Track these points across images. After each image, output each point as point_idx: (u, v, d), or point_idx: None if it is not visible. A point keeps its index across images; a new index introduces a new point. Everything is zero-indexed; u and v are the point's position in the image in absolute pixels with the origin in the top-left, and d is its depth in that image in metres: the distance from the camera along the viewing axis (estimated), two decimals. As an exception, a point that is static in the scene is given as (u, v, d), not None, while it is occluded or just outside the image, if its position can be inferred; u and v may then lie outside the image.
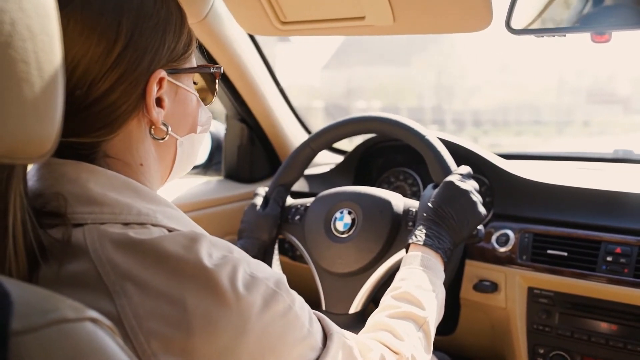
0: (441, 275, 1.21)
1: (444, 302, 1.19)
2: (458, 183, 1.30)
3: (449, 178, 1.32)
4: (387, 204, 1.43)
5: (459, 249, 1.37)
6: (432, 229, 1.26)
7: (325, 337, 0.86)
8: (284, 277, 0.81)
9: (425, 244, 1.23)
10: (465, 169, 1.35)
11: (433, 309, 1.12)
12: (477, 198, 1.30)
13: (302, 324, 0.80)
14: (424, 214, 1.29)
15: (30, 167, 0.78)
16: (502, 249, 1.57)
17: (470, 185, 1.31)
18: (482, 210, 1.29)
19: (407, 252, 1.26)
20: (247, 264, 0.76)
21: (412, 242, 1.25)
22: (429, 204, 1.29)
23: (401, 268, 1.22)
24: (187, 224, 0.81)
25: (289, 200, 1.63)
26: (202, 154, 2.13)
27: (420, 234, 1.25)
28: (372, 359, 0.93)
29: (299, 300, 0.82)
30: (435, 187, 1.35)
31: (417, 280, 1.16)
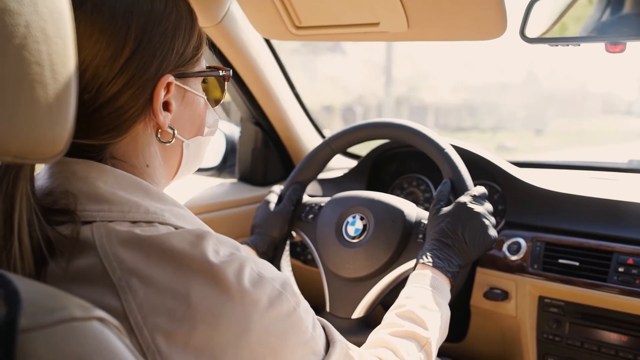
0: (447, 297, 1.21)
1: (448, 324, 1.19)
2: (470, 205, 1.29)
3: (462, 199, 1.31)
4: (399, 213, 1.42)
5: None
6: (442, 250, 1.25)
7: (328, 344, 0.86)
8: (290, 279, 0.81)
9: (435, 266, 1.22)
10: (480, 189, 1.33)
11: (436, 330, 1.12)
12: (489, 221, 1.29)
13: (306, 327, 0.80)
14: (435, 234, 1.29)
15: (40, 166, 0.79)
16: (514, 257, 1.56)
17: (484, 208, 1.30)
18: (493, 233, 1.28)
19: (414, 269, 1.26)
20: (255, 263, 0.76)
21: (422, 262, 1.24)
22: (442, 224, 1.28)
23: (407, 285, 1.22)
24: (194, 223, 0.82)
25: (304, 198, 1.63)
26: (215, 157, 2.14)
27: (430, 254, 1.24)
28: None
29: (303, 304, 0.82)
30: (446, 198, 1.35)
31: (423, 300, 1.15)
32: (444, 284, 1.21)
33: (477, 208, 1.29)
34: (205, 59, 0.93)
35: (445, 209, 1.31)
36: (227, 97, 1.01)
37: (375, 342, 1.07)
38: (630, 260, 1.40)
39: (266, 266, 0.79)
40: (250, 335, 0.72)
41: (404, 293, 1.20)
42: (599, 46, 1.18)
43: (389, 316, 1.14)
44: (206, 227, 0.82)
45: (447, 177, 1.38)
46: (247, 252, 0.78)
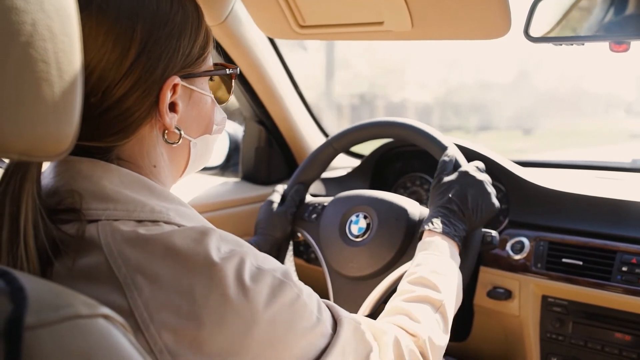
0: (457, 261, 1.24)
1: (462, 286, 1.21)
2: (473, 173, 1.32)
3: (465, 168, 1.34)
4: (403, 211, 1.43)
5: (473, 255, 1.36)
6: (447, 216, 1.28)
7: (336, 323, 0.86)
8: (291, 269, 0.81)
9: (441, 232, 1.25)
10: (480, 163, 1.37)
11: (449, 292, 1.14)
12: (491, 189, 1.32)
13: (311, 312, 0.80)
14: (439, 201, 1.31)
15: (45, 166, 0.79)
16: (517, 257, 1.56)
17: (485, 177, 1.33)
18: (496, 202, 1.32)
19: (420, 238, 1.28)
20: (255, 257, 0.76)
21: (429, 229, 1.26)
22: (445, 191, 1.31)
23: (417, 254, 1.24)
24: (199, 222, 0.82)
25: (307, 198, 1.64)
26: (219, 155, 2.14)
27: (436, 221, 1.27)
28: (386, 342, 0.94)
29: (306, 290, 0.82)
30: (449, 169, 1.37)
31: (433, 265, 1.17)
32: (453, 249, 1.23)
33: (479, 176, 1.32)
34: (211, 57, 0.93)
35: (449, 177, 1.34)
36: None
37: (390, 310, 1.09)
38: (634, 260, 1.40)
39: (266, 259, 0.79)
40: (256, 328, 0.72)
41: (414, 262, 1.22)
42: (599, 46, 1.18)
43: (402, 284, 1.16)
44: (211, 226, 0.82)
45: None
46: (249, 248, 0.78)
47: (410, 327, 1.02)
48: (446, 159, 1.38)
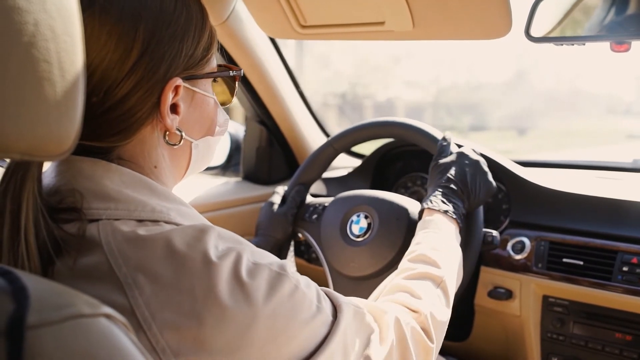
0: (458, 238, 1.25)
1: (461, 264, 1.22)
2: (469, 153, 1.35)
3: (461, 149, 1.37)
4: (404, 211, 1.43)
5: (474, 255, 1.37)
6: (447, 195, 1.29)
7: (336, 310, 0.86)
8: (288, 262, 0.82)
9: (441, 210, 1.26)
10: (475, 146, 1.41)
11: (450, 268, 1.14)
12: (488, 170, 1.35)
13: (310, 301, 0.81)
14: (438, 181, 1.32)
15: (47, 164, 0.79)
16: (518, 257, 1.56)
17: (481, 158, 1.36)
18: (493, 181, 1.34)
19: (420, 218, 1.29)
20: (251, 253, 0.77)
21: (428, 208, 1.27)
22: (444, 171, 1.33)
23: (417, 233, 1.25)
24: (200, 222, 0.82)
25: (308, 199, 1.64)
26: (220, 155, 2.14)
27: (436, 200, 1.28)
28: (387, 322, 0.94)
29: (304, 280, 0.82)
30: (447, 152, 1.39)
31: (433, 243, 1.18)
32: (453, 226, 1.25)
33: (476, 156, 1.35)
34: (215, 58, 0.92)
35: (447, 159, 1.36)
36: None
37: (391, 288, 1.10)
38: (634, 260, 1.40)
39: (263, 254, 0.80)
40: (257, 324, 0.72)
41: (414, 240, 1.23)
42: (597, 46, 1.18)
43: (402, 263, 1.17)
44: (209, 224, 0.82)
45: None
46: (247, 245, 0.78)
47: (411, 303, 1.02)
48: (444, 142, 1.41)
